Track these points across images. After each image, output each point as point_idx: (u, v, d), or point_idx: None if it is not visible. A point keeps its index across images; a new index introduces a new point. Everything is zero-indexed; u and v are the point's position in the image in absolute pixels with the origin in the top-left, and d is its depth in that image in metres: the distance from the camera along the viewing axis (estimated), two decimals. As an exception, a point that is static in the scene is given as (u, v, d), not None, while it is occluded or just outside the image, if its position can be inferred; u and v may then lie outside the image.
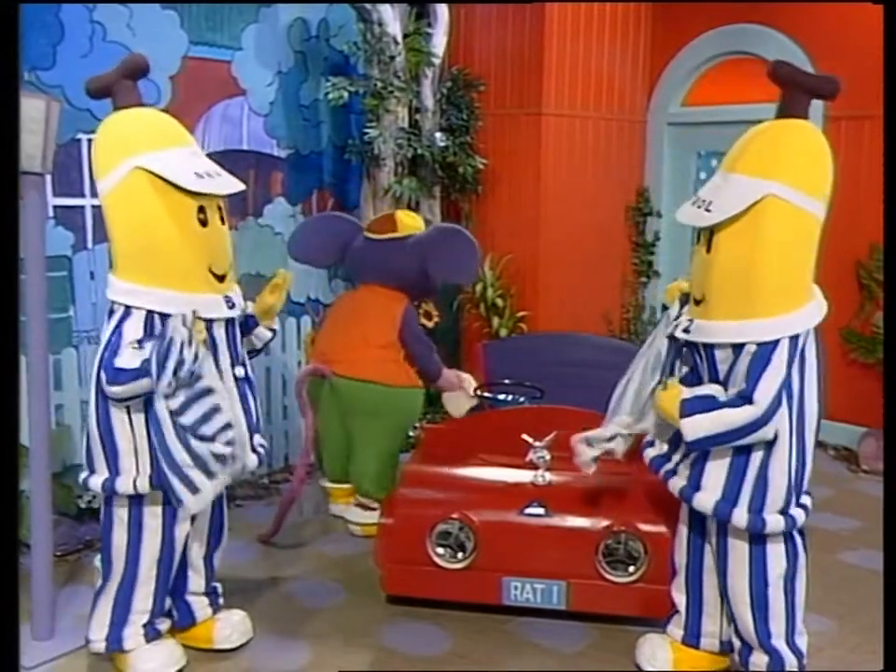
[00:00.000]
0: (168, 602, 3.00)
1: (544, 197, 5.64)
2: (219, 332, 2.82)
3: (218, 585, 3.19)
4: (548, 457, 3.38)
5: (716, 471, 2.70)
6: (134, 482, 2.75)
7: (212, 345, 2.79)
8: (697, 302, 2.70)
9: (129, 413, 2.73)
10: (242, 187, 2.82)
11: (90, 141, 4.61)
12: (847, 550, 4.16)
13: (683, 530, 2.96)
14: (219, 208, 2.81)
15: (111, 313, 2.77)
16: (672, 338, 2.77)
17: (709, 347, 2.68)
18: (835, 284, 5.55)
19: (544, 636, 3.32)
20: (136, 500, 2.81)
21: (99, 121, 4.60)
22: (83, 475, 2.88)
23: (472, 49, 5.86)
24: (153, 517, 2.84)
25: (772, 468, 2.67)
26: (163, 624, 2.99)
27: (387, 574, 3.37)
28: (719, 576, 2.86)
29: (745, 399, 2.57)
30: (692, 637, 2.98)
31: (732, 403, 2.59)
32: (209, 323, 2.76)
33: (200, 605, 3.12)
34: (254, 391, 2.95)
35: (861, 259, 5.36)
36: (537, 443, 3.40)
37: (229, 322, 2.85)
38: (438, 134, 5.51)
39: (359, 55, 5.41)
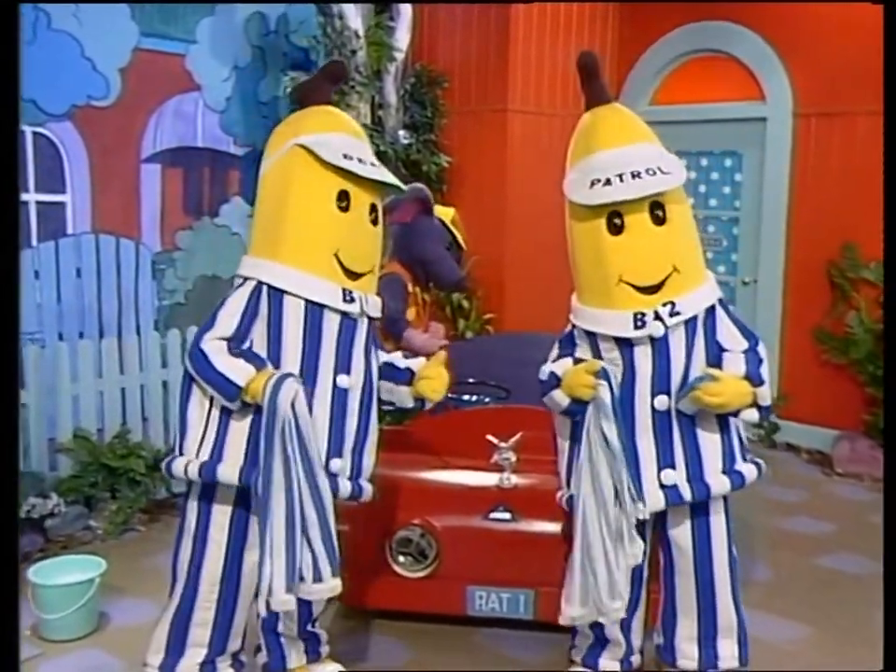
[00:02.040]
0: (237, 643, 2.71)
1: (510, 196, 5.53)
2: (330, 326, 2.52)
3: (322, 633, 2.89)
4: (514, 459, 3.22)
5: (735, 438, 2.66)
6: (186, 466, 2.51)
7: (315, 339, 2.51)
8: (656, 288, 2.52)
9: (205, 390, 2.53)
10: (394, 180, 2.62)
11: (34, 133, 4.46)
12: (822, 554, 4.06)
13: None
14: (375, 207, 2.61)
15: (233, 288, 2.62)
16: (627, 344, 2.56)
17: (693, 320, 2.56)
18: (806, 283, 5.55)
19: (511, 647, 3.20)
20: (206, 511, 2.57)
21: (45, 114, 4.56)
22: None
23: (436, 46, 5.75)
24: (219, 529, 2.57)
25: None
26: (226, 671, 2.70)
27: (345, 584, 3.14)
28: (697, 574, 2.67)
29: (756, 339, 2.64)
30: (627, 664, 2.85)
31: (755, 349, 2.61)
32: (320, 309, 2.50)
33: (294, 649, 2.83)
34: (363, 411, 2.61)
35: (832, 258, 5.29)
36: (502, 444, 3.24)
37: (346, 320, 2.55)
38: (401, 132, 5.42)
39: (320, 49, 5.30)
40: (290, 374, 2.46)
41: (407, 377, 2.73)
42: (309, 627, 2.85)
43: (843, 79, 5.13)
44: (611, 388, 2.52)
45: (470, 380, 3.85)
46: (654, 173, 2.47)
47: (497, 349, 4.23)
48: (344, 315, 2.55)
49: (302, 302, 2.51)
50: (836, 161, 5.27)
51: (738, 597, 2.72)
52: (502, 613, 3.13)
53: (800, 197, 5.47)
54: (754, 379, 2.53)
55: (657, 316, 2.51)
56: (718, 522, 2.68)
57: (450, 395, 3.90)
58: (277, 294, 2.51)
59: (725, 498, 2.68)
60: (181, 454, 2.55)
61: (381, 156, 5.32)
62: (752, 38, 5.54)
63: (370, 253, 2.65)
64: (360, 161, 2.55)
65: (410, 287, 4.33)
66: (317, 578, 2.44)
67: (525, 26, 5.52)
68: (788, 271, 5.58)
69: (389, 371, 2.74)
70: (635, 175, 2.47)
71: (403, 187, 2.74)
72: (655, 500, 2.57)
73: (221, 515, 2.58)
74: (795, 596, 3.63)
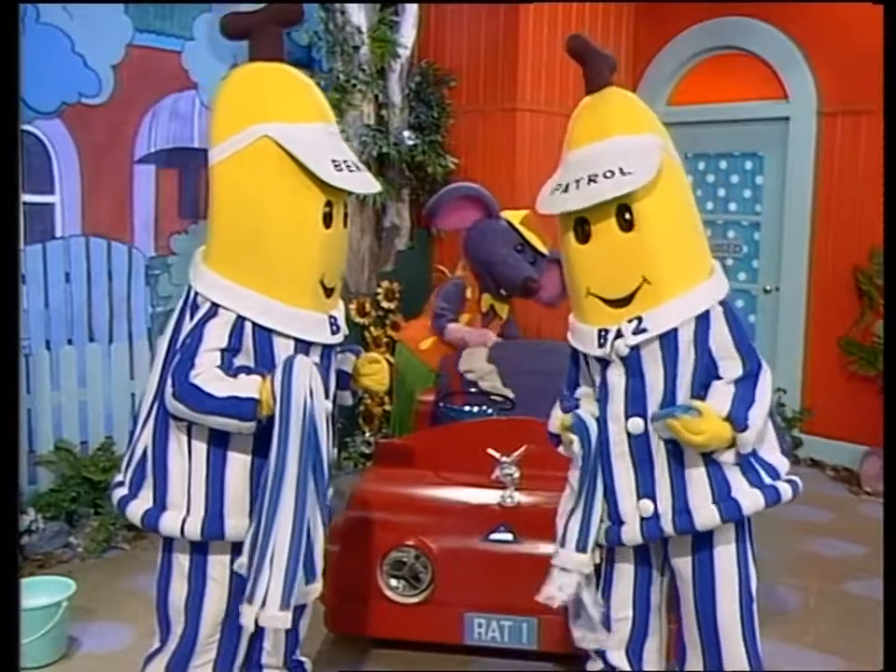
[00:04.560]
0: None
1: (520, 198, 5.27)
2: (315, 356, 2.31)
3: (307, 661, 2.65)
4: (517, 475, 3.03)
5: (734, 472, 2.35)
6: (183, 522, 2.25)
7: None
8: (624, 301, 2.27)
9: (189, 433, 2.26)
10: (378, 188, 2.35)
11: (22, 132, 4.28)
12: (852, 579, 3.82)
13: (627, 573, 2.49)
14: (345, 206, 2.32)
15: (194, 306, 2.25)
16: (604, 361, 2.33)
17: (671, 334, 2.27)
18: (832, 291, 5.33)
19: (512, 680, 3.00)
20: (200, 545, 2.31)
21: (33, 111, 4.39)
22: (119, 493, 2.35)
23: (443, 42, 5.57)
24: (219, 566, 2.33)
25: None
26: None
27: (332, 610, 3.02)
28: (698, 610, 2.42)
29: (757, 366, 2.30)
30: None
31: (754, 382, 2.29)
32: (307, 346, 2.27)
33: None
34: (335, 429, 2.44)
35: (860, 263, 5.08)
36: (504, 459, 3.04)
37: (328, 348, 2.35)
38: (406, 132, 5.27)
39: (321, 46, 5.13)
40: (297, 353, 2.21)
41: (346, 380, 2.55)
42: (294, 655, 2.61)
43: (870, 76, 4.89)
44: (584, 438, 2.36)
45: (472, 390, 3.66)
46: (612, 174, 2.19)
47: (502, 358, 4.01)
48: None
49: (292, 341, 2.25)
50: (863, 162, 5.04)
51: (753, 641, 2.42)
52: (503, 643, 2.95)
53: (825, 200, 5.26)
54: (737, 423, 2.23)
55: (619, 334, 2.26)
56: (725, 553, 2.39)
57: (450, 405, 3.72)
58: (264, 332, 2.22)
59: (739, 525, 2.40)
60: (164, 508, 2.27)
61: (385, 158, 5.17)
62: (774, 34, 5.33)
63: (342, 263, 2.41)
64: (347, 165, 2.22)
65: (469, 294, 4.41)
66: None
67: (535, 21, 5.33)
68: (812, 278, 5.37)
69: None
70: (591, 180, 2.20)
71: (379, 188, 2.42)
72: (632, 533, 2.37)
73: (220, 550, 2.32)
74: (825, 627, 3.39)
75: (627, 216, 2.23)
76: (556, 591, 2.39)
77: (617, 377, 2.31)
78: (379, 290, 5.16)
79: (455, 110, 5.45)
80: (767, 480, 2.38)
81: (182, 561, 2.33)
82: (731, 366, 2.30)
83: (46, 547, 3.78)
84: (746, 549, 2.43)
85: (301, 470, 2.13)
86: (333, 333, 2.31)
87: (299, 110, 2.23)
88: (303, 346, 2.26)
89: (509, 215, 4.41)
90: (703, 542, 2.38)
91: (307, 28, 5.30)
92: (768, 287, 5.58)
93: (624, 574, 2.49)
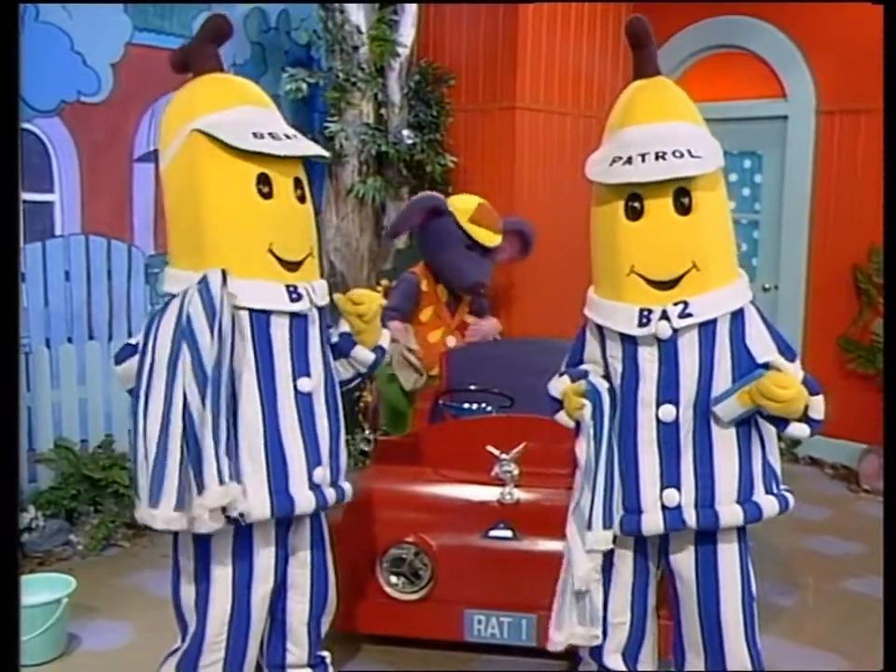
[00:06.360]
0: None
1: (519, 197, 5.30)
2: (279, 331, 2.29)
3: (326, 655, 2.70)
4: (516, 472, 3.02)
5: (757, 466, 2.39)
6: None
7: (266, 346, 2.28)
8: (670, 284, 2.27)
9: None
10: (318, 150, 2.38)
11: (21, 130, 4.28)
12: (852, 577, 3.82)
13: (626, 577, 2.49)
14: (299, 182, 2.35)
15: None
16: (633, 344, 2.33)
17: (711, 325, 2.28)
18: (830, 289, 5.33)
19: (512, 677, 2.99)
20: (203, 551, 2.34)
21: (32, 109, 4.39)
22: None
23: (442, 41, 5.55)
24: (222, 569, 2.35)
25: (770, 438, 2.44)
26: None
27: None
28: (701, 611, 2.42)
29: (793, 358, 2.34)
30: None
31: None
32: (266, 316, 2.27)
33: None
34: (331, 411, 2.42)
35: (858, 262, 5.07)
36: (504, 456, 3.03)
37: (295, 319, 2.33)
38: (405, 131, 5.25)
39: (320, 45, 5.13)
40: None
41: (350, 342, 2.56)
42: (316, 651, 2.63)
43: (868, 74, 4.89)
44: (596, 406, 2.34)
45: (472, 387, 3.65)
46: (681, 155, 2.20)
47: (501, 355, 4.01)
48: (293, 314, 2.31)
49: (245, 312, 2.25)
50: (862, 161, 5.04)
51: (754, 641, 2.44)
52: (502, 639, 2.94)
53: (823, 199, 5.25)
54: (812, 386, 2.25)
55: (664, 315, 2.26)
56: (728, 552, 2.39)
57: (449, 403, 3.72)
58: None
59: (742, 527, 2.41)
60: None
61: (383, 156, 5.16)
62: (772, 33, 5.32)
63: (304, 237, 2.39)
64: (273, 136, 2.26)
65: (425, 287, 4.33)
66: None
67: (534, 20, 5.30)
68: (811, 276, 5.36)
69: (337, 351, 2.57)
70: (659, 156, 2.21)
71: (326, 154, 2.48)
72: (654, 523, 2.34)
73: (221, 550, 2.33)
74: (823, 624, 3.39)
75: (685, 200, 2.25)
76: (587, 574, 2.36)
77: (649, 362, 2.30)
78: (378, 289, 5.15)
79: (454, 109, 5.43)
80: (774, 489, 2.41)
81: (187, 562, 2.36)
82: (770, 355, 2.32)
83: (46, 545, 3.78)
84: (746, 549, 2.44)
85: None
86: (293, 300, 2.28)
87: (223, 99, 2.30)
88: (261, 317, 2.26)
89: (457, 207, 4.30)
90: (706, 542, 2.38)
91: (306, 27, 5.31)
92: (767, 286, 5.57)
93: (623, 579, 2.49)
